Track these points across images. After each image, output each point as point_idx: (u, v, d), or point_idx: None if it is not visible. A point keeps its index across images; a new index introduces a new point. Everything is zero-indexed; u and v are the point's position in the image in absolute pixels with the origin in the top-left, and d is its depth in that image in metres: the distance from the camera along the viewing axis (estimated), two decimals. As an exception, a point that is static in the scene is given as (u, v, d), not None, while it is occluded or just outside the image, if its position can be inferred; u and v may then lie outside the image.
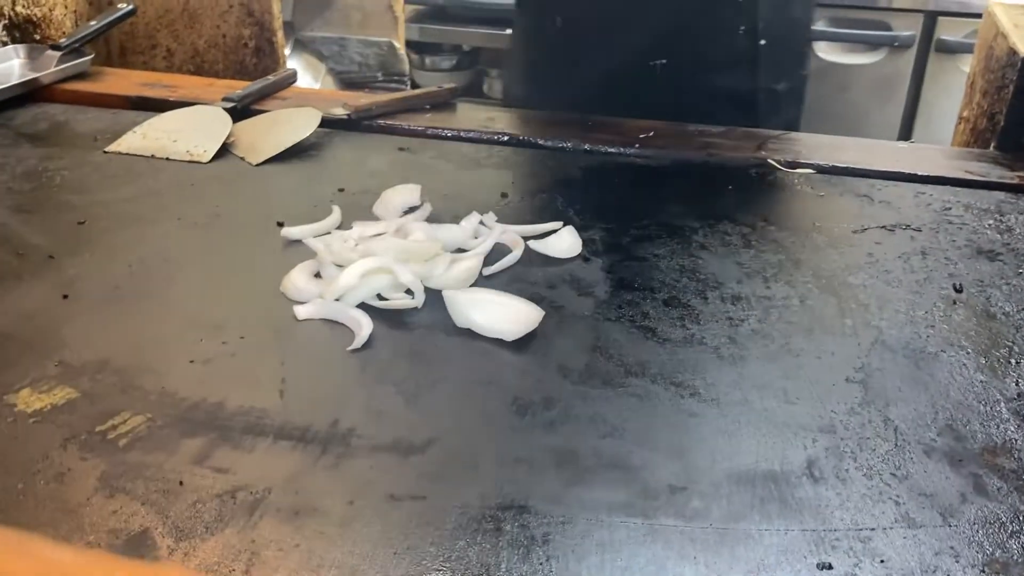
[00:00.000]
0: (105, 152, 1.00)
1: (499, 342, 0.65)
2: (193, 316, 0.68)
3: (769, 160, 0.98)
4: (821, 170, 0.97)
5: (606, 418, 0.57)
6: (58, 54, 1.20)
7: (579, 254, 0.78)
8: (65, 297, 0.70)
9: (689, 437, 0.55)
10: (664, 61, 1.13)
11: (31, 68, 1.22)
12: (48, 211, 0.86)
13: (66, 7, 1.37)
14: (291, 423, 0.56)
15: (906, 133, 2.12)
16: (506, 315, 0.66)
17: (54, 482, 0.51)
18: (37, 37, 1.33)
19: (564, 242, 0.78)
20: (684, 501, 0.50)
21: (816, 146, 1.03)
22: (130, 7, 1.30)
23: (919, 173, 0.95)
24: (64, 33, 1.35)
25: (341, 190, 0.91)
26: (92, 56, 1.24)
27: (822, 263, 0.77)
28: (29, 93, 1.16)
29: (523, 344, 0.64)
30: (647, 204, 0.89)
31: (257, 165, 0.98)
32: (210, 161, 0.98)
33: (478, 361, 0.63)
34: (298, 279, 0.72)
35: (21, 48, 1.25)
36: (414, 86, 2.13)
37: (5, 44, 1.28)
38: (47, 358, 0.62)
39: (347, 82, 1.84)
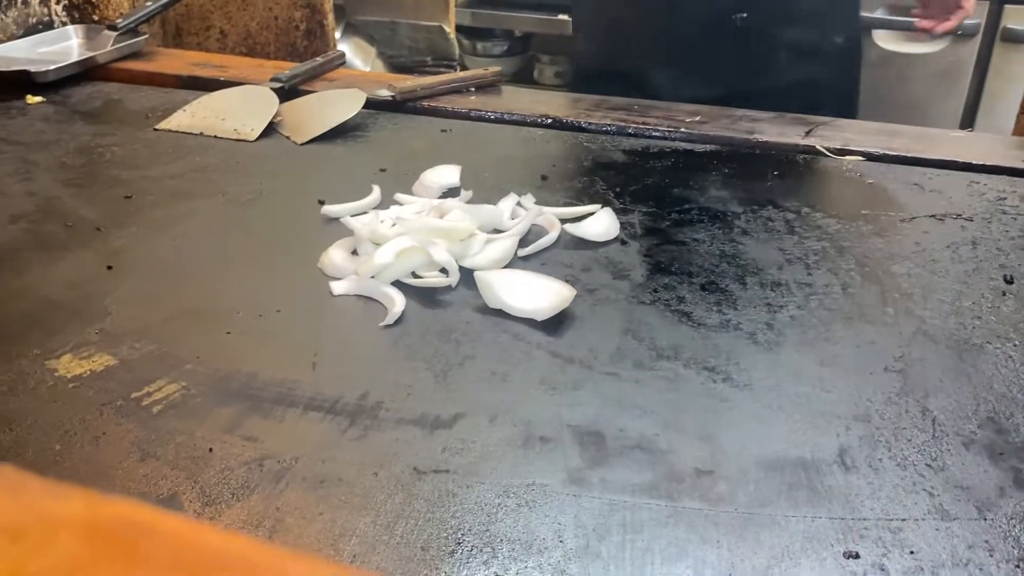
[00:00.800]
0: (155, 129, 1.02)
1: (530, 322, 0.64)
2: (232, 290, 0.69)
3: (817, 146, 0.96)
4: (871, 157, 0.94)
5: (634, 400, 0.56)
6: (114, 34, 1.23)
7: (616, 237, 0.77)
8: (110, 268, 0.72)
9: (719, 422, 0.54)
10: (745, 15, 1.14)
11: (88, 48, 1.25)
12: (98, 185, 0.88)
13: (124, -12, 1.40)
14: (321, 395, 0.57)
15: (968, 124, 2.06)
16: (537, 294, 0.65)
17: (89, 445, 0.52)
18: (95, 17, 1.36)
19: (601, 225, 0.78)
20: (709, 485, 0.49)
21: (867, 133, 1.00)
22: (184, -12, 1.33)
23: (973, 162, 0.92)
24: (121, 13, 1.38)
25: (383, 170, 0.92)
26: (147, 36, 1.27)
27: (867, 251, 0.75)
28: (85, 71, 1.19)
29: (554, 325, 0.64)
30: (689, 188, 0.87)
31: (302, 144, 0.99)
32: (256, 140, 1.00)
33: (508, 340, 0.62)
34: (335, 256, 0.72)
35: (80, 28, 1.28)
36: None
37: (64, 24, 1.32)
38: (89, 326, 0.64)
39: (397, 66, 1.85)
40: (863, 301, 0.67)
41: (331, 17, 1.45)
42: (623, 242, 0.77)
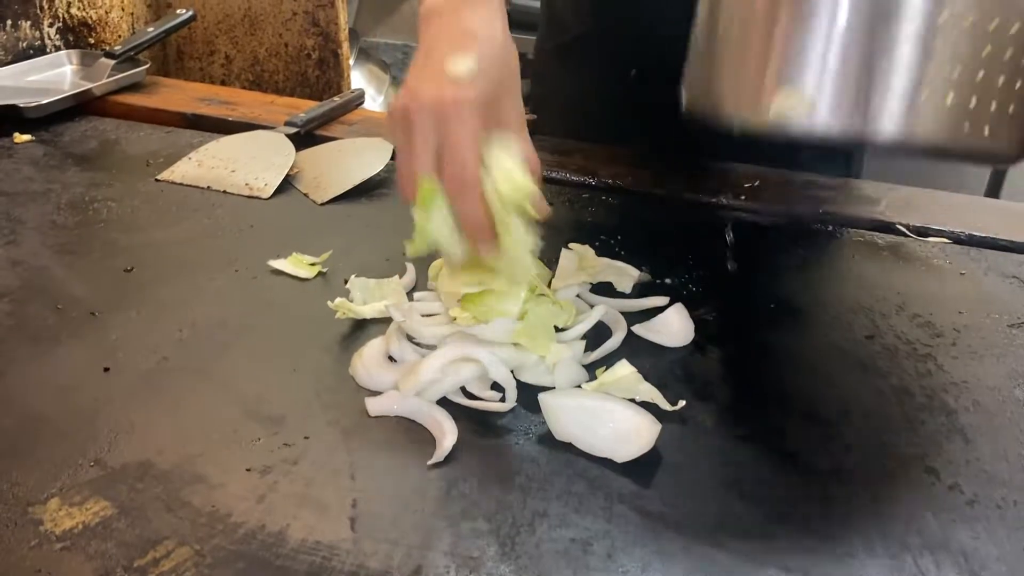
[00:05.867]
0: (157, 180, 0.92)
1: (607, 462, 0.54)
2: (250, 404, 0.59)
3: (897, 226, 0.86)
4: (957, 240, 0.85)
5: (749, 587, 0.46)
6: (112, 62, 1.12)
7: (691, 340, 0.67)
8: (106, 370, 0.61)
9: (854, 621, 0.44)
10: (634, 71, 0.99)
11: (83, 77, 1.14)
12: (93, 253, 0.77)
13: (123, 9, 1.30)
14: (365, 567, 0.46)
15: (996, 180, 1.97)
16: (616, 429, 0.56)
17: (81, 643, 0.42)
18: (91, 41, 1.25)
19: (674, 326, 0.68)
20: None
21: (945, 208, 0.91)
22: (189, 13, 1.22)
23: (1074, 249, 0.83)
24: (120, 37, 1.27)
25: (414, 240, 0.81)
26: (148, 66, 1.16)
27: (979, 371, 0.65)
28: (80, 104, 1.08)
29: (637, 468, 0.54)
30: (762, 274, 0.78)
31: (322, 204, 0.89)
32: (271, 196, 0.89)
33: (584, 490, 0.52)
34: (370, 362, 0.62)
35: (74, 54, 1.17)
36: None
37: (58, 49, 1.21)
38: (82, 455, 0.53)
39: (410, 93, 1.75)
40: (994, 447, 0.58)
41: (346, 47, 1.35)
42: (699, 346, 0.67)
